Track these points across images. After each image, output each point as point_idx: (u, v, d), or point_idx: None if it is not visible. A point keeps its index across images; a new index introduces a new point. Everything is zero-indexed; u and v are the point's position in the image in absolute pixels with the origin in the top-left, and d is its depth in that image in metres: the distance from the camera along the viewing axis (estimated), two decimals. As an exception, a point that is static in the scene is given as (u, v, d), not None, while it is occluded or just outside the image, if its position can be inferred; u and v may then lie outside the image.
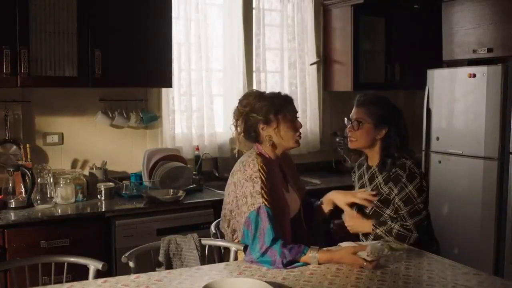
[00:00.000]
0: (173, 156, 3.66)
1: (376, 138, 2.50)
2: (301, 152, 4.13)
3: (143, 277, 1.95)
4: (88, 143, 3.63)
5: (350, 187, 2.74)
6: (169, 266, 2.29)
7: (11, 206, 3.07)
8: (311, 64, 4.39)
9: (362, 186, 2.59)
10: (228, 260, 2.27)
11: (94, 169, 3.49)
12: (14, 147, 3.36)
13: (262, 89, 4.05)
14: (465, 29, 3.98)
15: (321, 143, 4.49)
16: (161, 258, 2.29)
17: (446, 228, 3.96)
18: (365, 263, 2.01)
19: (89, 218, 3.08)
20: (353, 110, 2.54)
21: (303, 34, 4.34)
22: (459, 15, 4.03)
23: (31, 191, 3.11)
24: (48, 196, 3.13)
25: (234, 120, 2.37)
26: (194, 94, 3.92)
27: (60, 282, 2.05)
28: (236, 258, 2.25)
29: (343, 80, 4.34)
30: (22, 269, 2.18)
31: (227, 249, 2.34)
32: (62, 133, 3.56)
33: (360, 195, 2.41)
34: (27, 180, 3.14)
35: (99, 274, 2.08)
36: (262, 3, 4.17)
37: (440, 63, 4.23)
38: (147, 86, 3.71)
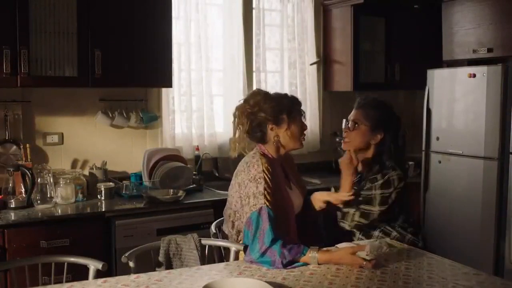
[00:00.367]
0: (173, 156, 3.66)
1: (371, 142, 2.50)
2: (301, 152, 4.11)
3: (143, 277, 1.95)
4: (88, 143, 3.63)
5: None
6: (169, 266, 2.29)
7: (11, 206, 3.07)
8: (311, 64, 4.39)
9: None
10: (228, 260, 2.27)
11: (94, 169, 3.49)
12: (14, 147, 3.36)
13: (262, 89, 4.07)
14: (465, 29, 3.98)
15: (321, 143, 4.49)
16: (161, 258, 2.29)
17: (446, 228, 3.97)
18: (364, 263, 2.01)
19: (89, 218, 3.08)
20: (352, 112, 2.55)
21: (303, 34, 4.34)
22: (459, 15, 4.03)
23: (31, 191, 3.11)
24: (48, 196, 3.13)
25: (236, 120, 2.36)
26: (194, 94, 3.92)
27: (60, 282, 2.05)
28: (236, 258, 2.25)
29: (343, 80, 4.34)
30: (22, 269, 2.18)
31: (227, 249, 2.35)
32: (62, 133, 3.56)
33: (335, 196, 2.44)
34: (27, 180, 3.14)
35: (99, 274, 2.08)
36: (262, 3, 4.17)
37: (440, 63, 4.23)
38: (147, 86, 3.71)
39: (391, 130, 2.49)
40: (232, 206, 2.30)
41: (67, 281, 2.03)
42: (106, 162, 3.55)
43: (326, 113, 4.55)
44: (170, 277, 1.95)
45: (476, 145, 3.77)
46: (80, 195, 3.28)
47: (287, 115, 2.30)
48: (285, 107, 2.31)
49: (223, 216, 2.46)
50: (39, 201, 3.10)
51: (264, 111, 2.29)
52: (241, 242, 2.27)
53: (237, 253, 2.27)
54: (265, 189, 2.16)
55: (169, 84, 3.57)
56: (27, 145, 3.34)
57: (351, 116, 2.53)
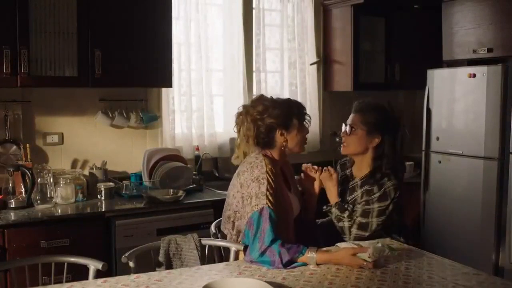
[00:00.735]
0: (173, 156, 3.66)
1: (369, 146, 2.51)
2: (301, 152, 4.13)
3: (143, 277, 1.95)
4: (88, 143, 3.63)
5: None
6: (169, 266, 2.29)
7: (11, 206, 3.07)
8: (311, 64, 4.39)
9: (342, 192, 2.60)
10: (228, 260, 2.27)
11: (94, 169, 3.49)
12: (14, 147, 3.36)
13: (262, 89, 4.08)
14: (465, 29, 3.98)
15: (321, 143, 4.49)
16: (161, 258, 2.29)
17: (446, 228, 3.96)
18: (364, 263, 2.01)
19: (89, 218, 3.07)
20: (349, 117, 2.56)
21: (303, 34, 4.34)
22: (459, 15, 4.02)
23: (31, 191, 3.11)
24: (48, 196, 3.13)
25: (238, 126, 2.36)
26: (194, 94, 3.92)
27: (60, 282, 2.05)
28: (236, 258, 2.25)
29: (343, 80, 4.34)
30: (22, 269, 2.18)
31: (227, 249, 2.35)
32: (62, 133, 3.56)
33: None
34: (27, 180, 3.14)
35: (99, 274, 2.08)
36: (262, 3, 4.17)
37: (440, 63, 4.23)
38: (147, 86, 3.71)
39: (389, 132, 2.49)
40: (233, 206, 2.30)
41: (67, 281, 2.03)
42: (106, 162, 3.55)
43: (326, 113, 4.55)
44: (170, 277, 1.95)
45: (476, 145, 3.77)
46: (80, 195, 3.28)
47: (297, 120, 2.33)
48: (295, 112, 2.34)
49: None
50: (39, 201, 3.10)
51: (273, 117, 2.30)
52: (240, 242, 2.27)
53: (237, 253, 2.27)
54: (267, 189, 2.16)
55: (169, 84, 3.57)
56: (27, 145, 3.34)
57: (348, 120, 2.55)
